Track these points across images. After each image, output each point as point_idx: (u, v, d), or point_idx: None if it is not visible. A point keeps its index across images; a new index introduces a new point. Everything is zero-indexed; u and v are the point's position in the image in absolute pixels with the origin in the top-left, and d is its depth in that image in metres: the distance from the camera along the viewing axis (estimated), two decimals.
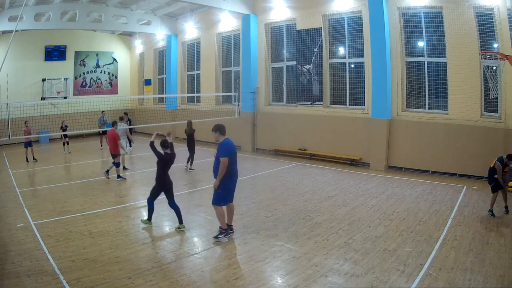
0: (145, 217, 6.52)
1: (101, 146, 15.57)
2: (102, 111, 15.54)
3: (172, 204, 6.23)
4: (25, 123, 12.69)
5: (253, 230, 6.09)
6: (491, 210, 6.76)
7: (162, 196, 8.30)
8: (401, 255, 5.06)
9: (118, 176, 9.86)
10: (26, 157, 12.89)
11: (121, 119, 11.74)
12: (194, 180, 9.77)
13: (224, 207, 5.75)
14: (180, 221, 6.20)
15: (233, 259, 5.13)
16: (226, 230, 5.76)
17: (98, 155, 14.24)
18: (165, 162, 6.18)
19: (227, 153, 5.47)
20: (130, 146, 10.79)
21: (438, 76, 10.21)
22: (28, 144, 12.75)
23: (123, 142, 10.99)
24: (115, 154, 9.85)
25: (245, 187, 9.07)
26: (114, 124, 10.22)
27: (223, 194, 5.63)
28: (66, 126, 14.59)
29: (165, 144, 6.20)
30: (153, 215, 7.05)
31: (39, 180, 10.50)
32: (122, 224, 6.47)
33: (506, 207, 6.91)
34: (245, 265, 4.88)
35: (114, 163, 9.85)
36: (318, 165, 11.56)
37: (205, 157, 12.04)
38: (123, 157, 11.14)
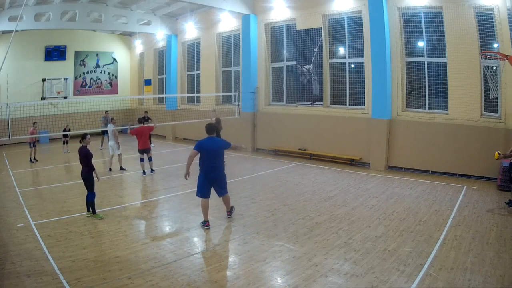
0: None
1: (101, 146, 15.58)
2: (106, 111, 15.51)
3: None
4: (33, 124, 12.86)
5: (253, 230, 6.09)
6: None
7: (158, 197, 8.33)
8: (401, 255, 5.06)
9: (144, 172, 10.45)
10: (30, 158, 12.94)
11: (111, 119, 11.81)
12: (194, 180, 9.73)
13: (207, 200, 6.24)
14: (87, 210, 6.79)
15: (233, 259, 5.13)
16: (204, 222, 6.23)
17: (98, 155, 14.22)
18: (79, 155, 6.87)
19: (195, 146, 6.19)
20: (118, 148, 10.97)
21: (438, 76, 10.20)
22: (33, 144, 12.89)
23: (113, 143, 11.04)
24: (142, 150, 10.36)
25: (245, 187, 9.06)
26: (147, 120, 10.64)
27: (198, 185, 6.26)
28: (69, 130, 14.67)
29: (83, 138, 6.89)
30: (153, 215, 7.10)
31: (39, 180, 10.50)
32: (122, 224, 6.47)
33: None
34: (245, 265, 4.88)
35: (141, 159, 10.46)
36: (318, 165, 11.56)
37: None
38: (120, 158, 11.13)
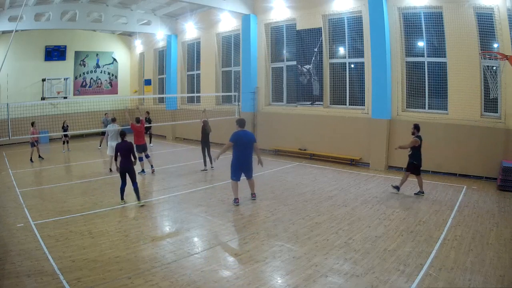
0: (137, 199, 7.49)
1: (100, 146, 15.60)
2: (106, 113, 15.47)
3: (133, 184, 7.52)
4: (32, 124, 12.86)
5: (253, 230, 6.09)
6: (398, 187, 8.12)
7: (158, 197, 8.32)
8: (401, 255, 5.06)
9: (142, 171, 10.56)
10: (31, 157, 12.99)
11: (113, 120, 11.77)
12: (194, 180, 9.77)
13: (237, 183, 7.54)
14: (137, 198, 7.50)
15: (233, 259, 5.13)
16: (235, 199, 7.53)
17: (97, 155, 14.24)
18: (120, 149, 7.50)
19: (231, 138, 7.35)
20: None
21: (438, 76, 10.20)
22: (36, 142, 12.98)
23: (113, 143, 10.95)
24: (137, 146, 10.39)
25: (245, 187, 9.04)
26: (138, 120, 10.70)
27: (231, 170, 7.50)
28: (67, 126, 14.68)
29: (122, 133, 7.73)
30: (153, 215, 7.10)
31: (39, 180, 10.51)
32: (122, 224, 6.47)
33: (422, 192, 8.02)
34: (245, 265, 4.88)
35: (140, 158, 10.46)
36: (318, 165, 11.56)
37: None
38: (111, 160, 11.01)
